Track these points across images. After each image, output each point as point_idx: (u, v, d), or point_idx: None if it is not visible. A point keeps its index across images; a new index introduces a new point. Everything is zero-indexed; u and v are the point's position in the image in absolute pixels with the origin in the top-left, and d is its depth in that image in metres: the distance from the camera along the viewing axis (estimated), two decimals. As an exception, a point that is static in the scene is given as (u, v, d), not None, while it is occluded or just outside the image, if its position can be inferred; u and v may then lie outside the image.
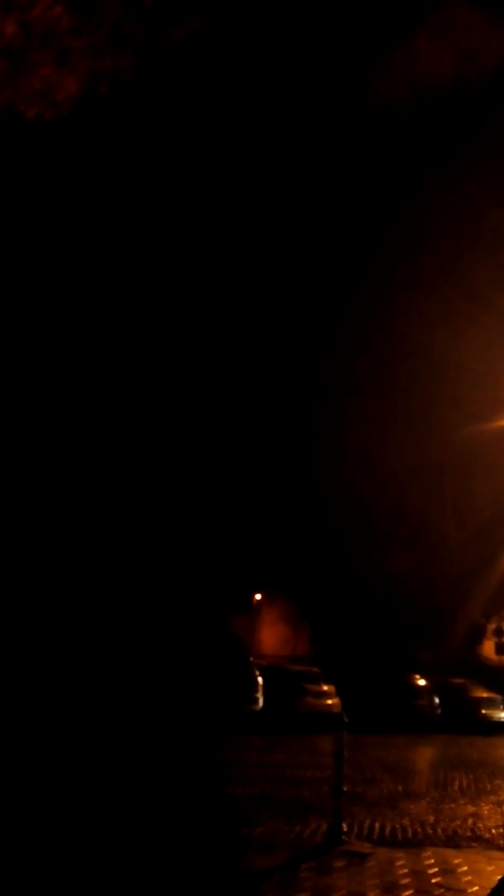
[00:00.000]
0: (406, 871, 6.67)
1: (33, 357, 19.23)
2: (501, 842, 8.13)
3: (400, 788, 11.19)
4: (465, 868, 6.87)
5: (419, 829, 8.50)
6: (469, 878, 6.60)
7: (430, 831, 8.45)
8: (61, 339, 19.48)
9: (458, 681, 23.08)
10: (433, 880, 6.47)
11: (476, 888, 6.32)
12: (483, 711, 22.38)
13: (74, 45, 8.62)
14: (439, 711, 21.80)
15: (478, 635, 27.86)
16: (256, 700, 20.17)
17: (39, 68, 8.31)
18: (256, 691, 20.30)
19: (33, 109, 9.22)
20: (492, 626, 29.40)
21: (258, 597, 32.17)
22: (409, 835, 8.24)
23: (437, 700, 21.97)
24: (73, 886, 5.93)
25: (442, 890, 6.22)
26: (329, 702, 19.74)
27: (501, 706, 23.09)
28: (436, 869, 6.78)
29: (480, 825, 8.89)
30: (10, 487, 19.57)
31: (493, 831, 8.62)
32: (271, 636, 32.49)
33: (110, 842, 7.27)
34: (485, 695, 22.98)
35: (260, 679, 20.33)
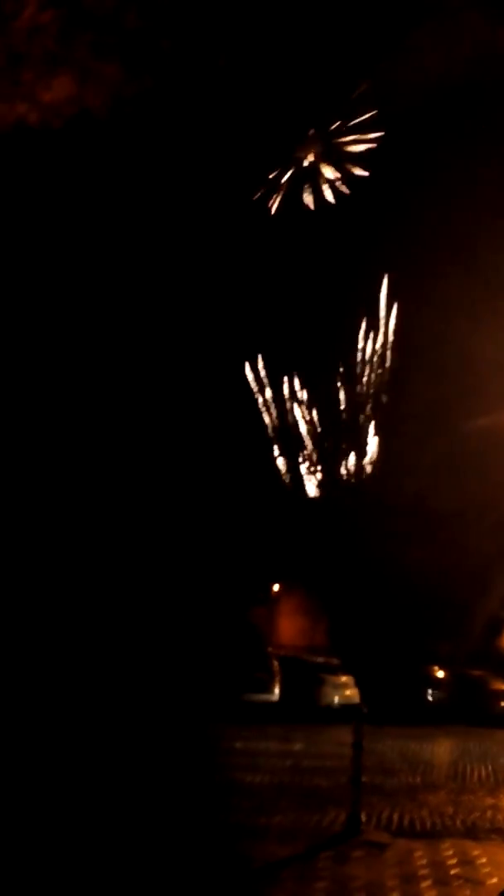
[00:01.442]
0: (425, 862, 6.68)
1: (50, 357, 19.40)
2: (520, 834, 8.12)
3: (418, 780, 11.19)
4: (484, 860, 6.87)
5: (438, 821, 8.51)
6: (488, 869, 6.60)
7: (449, 823, 8.46)
8: (80, 333, 19.62)
9: (476, 673, 23.01)
10: (452, 871, 6.49)
11: (495, 880, 6.33)
12: (502, 704, 22.30)
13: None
14: (456, 703, 21.77)
15: (497, 628, 27.74)
16: (273, 690, 20.27)
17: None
18: (274, 681, 20.38)
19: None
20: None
21: (277, 588, 32.22)
22: (428, 826, 8.26)
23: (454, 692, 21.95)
24: (90, 876, 6.01)
25: (461, 881, 6.24)
26: (347, 693, 19.76)
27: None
28: (454, 860, 6.79)
29: (500, 817, 8.88)
30: (38, 479, 19.73)
31: (512, 823, 8.62)
32: (290, 627, 32.54)
33: (128, 830, 7.35)
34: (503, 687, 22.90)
35: (277, 668, 20.43)
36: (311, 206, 24.27)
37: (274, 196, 24.52)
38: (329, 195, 24.15)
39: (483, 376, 23.33)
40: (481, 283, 22.88)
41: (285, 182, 24.23)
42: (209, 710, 17.04)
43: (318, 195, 24.29)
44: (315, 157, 23.94)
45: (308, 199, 24.21)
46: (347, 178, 23.64)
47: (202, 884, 5.99)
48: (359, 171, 23.77)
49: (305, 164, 24.04)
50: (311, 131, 23.42)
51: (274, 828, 7.68)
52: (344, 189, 23.97)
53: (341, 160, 23.53)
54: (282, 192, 24.38)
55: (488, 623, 26.27)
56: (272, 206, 24.20)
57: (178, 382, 22.63)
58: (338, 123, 23.16)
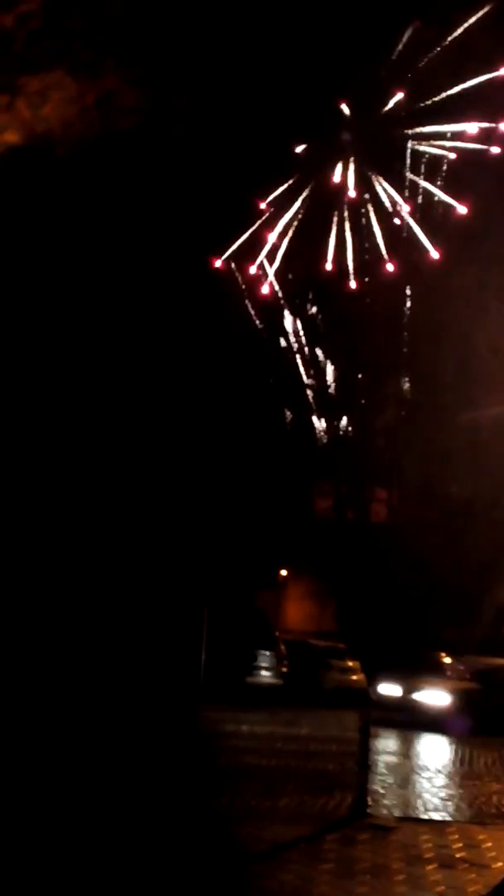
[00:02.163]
0: (430, 845, 6.73)
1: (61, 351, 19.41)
2: (526, 819, 8.16)
3: (425, 764, 11.25)
4: (489, 844, 6.91)
5: (443, 805, 8.56)
6: (493, 853, 6.64)
7: (455, 807, 8.51)
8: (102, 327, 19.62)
9: (483, 660, 23.03)
10: (457, 855, 6.53)
11: (500, 864, 6.37)
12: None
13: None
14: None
15: (505, 616, 27.74)
16: (282, 673, 20.35)
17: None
18: (282, 665, 20.46)
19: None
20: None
21: (284, 573, 32.28)
22: (434, 810, 8.30)
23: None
24: (93, 859, 6.07)
25: (465, 865, 6.28)
26: (354, 677, 19.81)
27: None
28: (460, 844, 6.84)
29: (505, 802, 8.92)
30: (53, 465, 19.78)
31: (518, 809, 8.65)
32: (297, 612, 32.63)
33: (134, 812, 7.42)
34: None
35: (284, 652, 20.51)
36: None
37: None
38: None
39: (496, 366, 23.21)
40: (495, 272, 22.73)
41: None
42: (215, 693, 17.13)
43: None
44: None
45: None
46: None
47: (209, 865, 6.05)
48: None
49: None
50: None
51: (280, 810, 7.74)
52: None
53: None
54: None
55: (497, 611, 26.26)
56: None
57: (187, 360, 22.61)
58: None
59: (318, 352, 27.33)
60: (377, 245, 23.25)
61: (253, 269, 24.03)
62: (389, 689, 16.19)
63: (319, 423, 27.70)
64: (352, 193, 22.72)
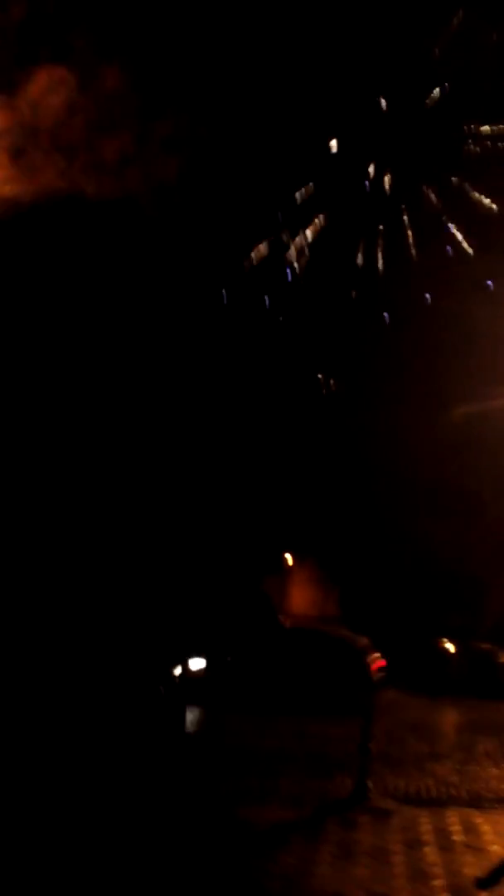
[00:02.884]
0: (429, 828, 6.83)
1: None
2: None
3: (425, 749, 11.33)
4: (486, 828, 7.01)
5: (443, 790, 8.65)
6: (490, 837, 6.74)
7: (454, 792, 8.60)
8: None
9: (485, 646, 23.12)
10: (455, 838, 6.62)
11: (496, 847, 6.46)
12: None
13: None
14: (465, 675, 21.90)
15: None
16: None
17: None
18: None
19: None
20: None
21: (289, 558, 32.39)
22: (434, 794, 8.40)
23: (464, 665, 22.07)
24: (94, 843, 6.18)
25: (464, 848, 6.38)
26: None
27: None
28: (458, 828, 6.93)
29: (503, 787, 9.01)
30: (58, 457, 19.85)
31: (517, 794, 8.74)
32: (301, 597, 32.75)
33: (132, 793, 7.53)
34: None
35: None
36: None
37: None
38: None
39: (502, 357, 23.18)
40: (499, 264, 22.63)
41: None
42: (219, 676, 17.23)
43: None
44: None
45: None
46: None
47: (209, 845, 6.15)
48: None
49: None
50: None
51: (282, 792, 7.85)
52: None
53: None
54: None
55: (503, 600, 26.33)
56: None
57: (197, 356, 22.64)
58: None
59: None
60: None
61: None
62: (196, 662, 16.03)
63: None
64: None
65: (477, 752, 11.40)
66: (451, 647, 21.30)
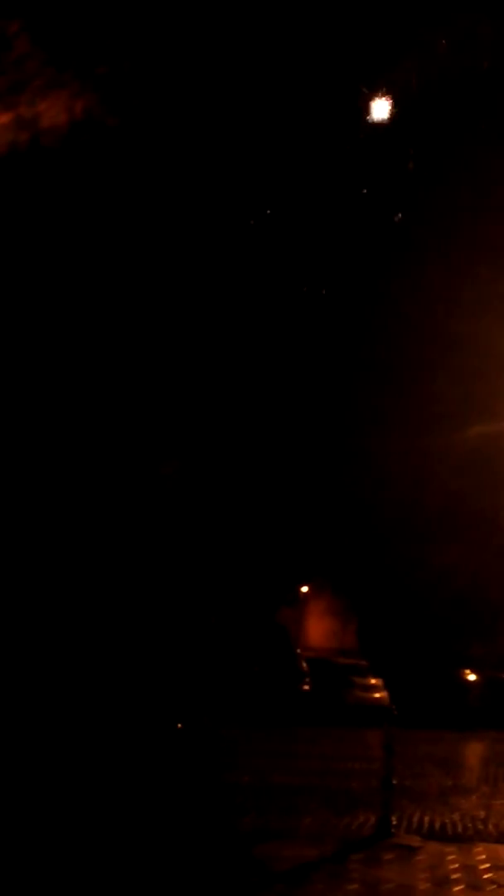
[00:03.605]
0: (457, 865, 6.58)
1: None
2: None
3: (450, 783, 11.06)
4: (517, 864, 6.75)
5: (469, 825, 8.39)
6: (522, 874, 6.48)
7: (481, 826, 8.33)
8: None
9: (507, 676, 22.77)
10: (485, 876, 6.38)
11: (529, 885, 6.21)
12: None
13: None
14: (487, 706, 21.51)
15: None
16: (305, 692, 20.17)
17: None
18: (304, 682, 20.29)
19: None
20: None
21: (305, 589, 32.14)
22: (460, 830, 8.14)
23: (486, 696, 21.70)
24: (116, 869, 6.00)
25: (494, 886, 6.13)
26: (377, 695, 19.63)
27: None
28: (487, 864, 6.68)
29: (533, 822, 8.73)
30: (56, 468, 19.72)
31: (547, 828, 8.46)
32: (318, 629, 32.44)
33: (153, 830, 7.33)
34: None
35: (306, 669, 20.33)
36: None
37: None
38: None
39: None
40: None
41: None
42: (237, 711, 17.00)
43: None
44: None
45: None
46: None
47: (230, 883, 5.95)
48: None
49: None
50: None
51: (303, 829, 7.63)
52: None
53: None
54: None
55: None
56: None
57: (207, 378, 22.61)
58: None
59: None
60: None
61: None
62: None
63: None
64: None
65: (503, 785, 11.11)
66: (472, 677, 20.97)
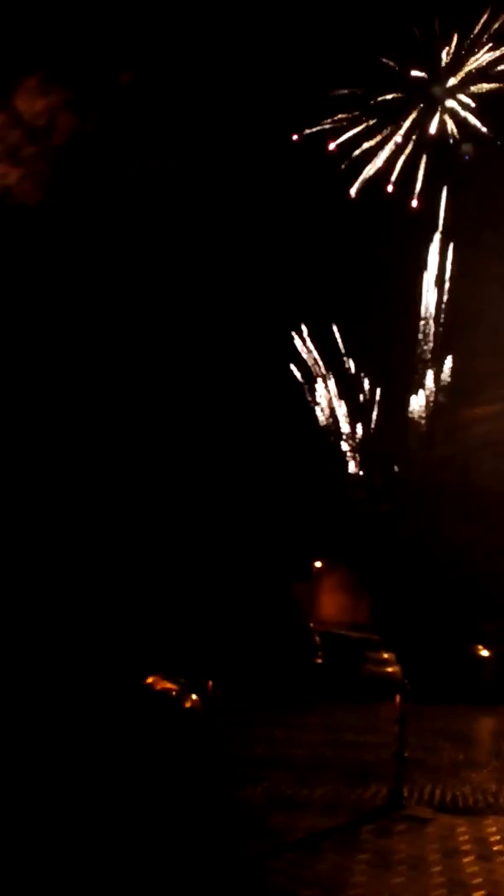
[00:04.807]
0: (467, 837, 6.68)
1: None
2: None
3: (461, 757, 11.15)
4: (527, 837, 6.83)
5: (480, 798, 8.48)
6: (531, 847, 6.56)
7: (492, 800, 8.43)
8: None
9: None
10: (495, 848, 6.47)
11: (538, 857, 6.29)
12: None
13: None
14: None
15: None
16: (317, 665, 20.28)
17: None
18: (317, 656, 20.41)
19: None
20: None
21: (319, 564, 32.22)
22: (471, 803, 8.24)
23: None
24: (135, 840, 6.12)
25: (503, 858, 6.22)
26: (389, 669, 19.71)
27: None
28: (497, 837, 6.78)
29: (543, 796, 8.81)
30: (76, 461, 19.86)
31: None
32: (332, 603, 32.56)
33: (171, 798, 7.47)
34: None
35: (319, 643, 20.44)
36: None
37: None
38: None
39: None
40: None
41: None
42: (251, 684, 17.15)
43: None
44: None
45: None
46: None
47: (244, 851, 6.07)
48: None
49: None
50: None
51: (316, 800, 7.74)
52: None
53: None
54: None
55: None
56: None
57: (221, 357, 22.57)
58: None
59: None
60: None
61: None
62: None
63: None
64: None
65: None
66: (485, 652, 21.00)
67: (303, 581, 29.58)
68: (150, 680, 11.10)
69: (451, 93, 25.04)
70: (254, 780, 8.44)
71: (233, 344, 22.88)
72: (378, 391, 29.00)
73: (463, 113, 24.98)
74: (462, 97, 24.90)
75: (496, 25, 23.76)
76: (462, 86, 24.87)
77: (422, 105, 25.07)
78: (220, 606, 19.71)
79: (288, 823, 6.76)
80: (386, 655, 20.34)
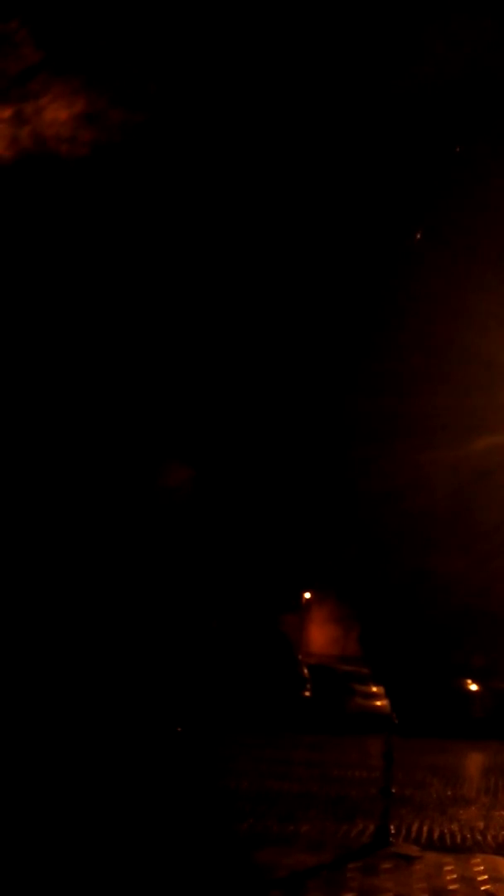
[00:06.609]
0: (455, 876, 6.57)
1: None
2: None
3: (449, 793, 11.03)
4: (515, 876, 6.73)
5: (468, 835, 8.37)
6: (519, 886, 6.46)
7: (480, 838, 8.31)
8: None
9: (506, 686, 22.69)
10: (482, 887, 6.36)
11: (527, 897, 6.19)
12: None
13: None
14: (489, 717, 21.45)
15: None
16: (305, 698, 20.13)
17: None
18: (305, 689, 20.26)
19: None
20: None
21: (308, 596, 32.10)
22: (458, 840, 8.12)
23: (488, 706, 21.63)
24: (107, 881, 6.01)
25: (491, 897, 6.12)
26: (378, 703, 19.58)
27: None
28: (485, 876, 6.67)
29: (532, 834, 8.70)
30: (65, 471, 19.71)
31: (546, 841, 8.43)
32: (320, 635, 32.40)
33: (149, 835, 7.34)
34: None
35: (307, 676, 20.29)
36: None
37: None
38: None
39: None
40: None
41: None
42: (237, 717, 16.99)
43: None
44: None
45: None
46: None
47: (228, 888, 5.95)
48: None
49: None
50: None
51: (302, 836, 7.62)
52: None
53: None
54: None
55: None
56: None
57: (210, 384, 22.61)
58: None
59: None
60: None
61: None
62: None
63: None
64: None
65: (503, 797, 11.07)
66: (474, 687, 20.90)
67: (291, 612, 29.44)
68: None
69: None
70: (239, 814, 8.31)
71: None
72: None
73: None
74: None
75: None
76: None
77: None
78: (208, 638, 19.57)
79: (272, 860, 6.64)
80: (374, 689, 20.22)
